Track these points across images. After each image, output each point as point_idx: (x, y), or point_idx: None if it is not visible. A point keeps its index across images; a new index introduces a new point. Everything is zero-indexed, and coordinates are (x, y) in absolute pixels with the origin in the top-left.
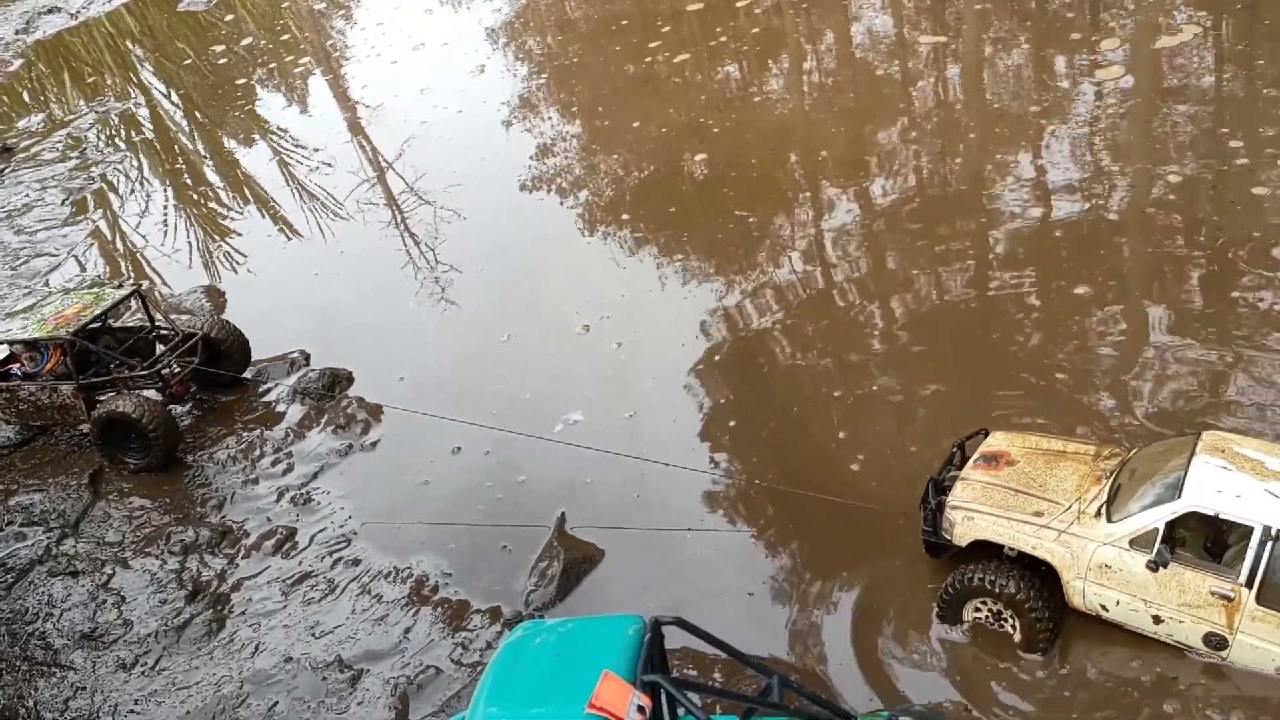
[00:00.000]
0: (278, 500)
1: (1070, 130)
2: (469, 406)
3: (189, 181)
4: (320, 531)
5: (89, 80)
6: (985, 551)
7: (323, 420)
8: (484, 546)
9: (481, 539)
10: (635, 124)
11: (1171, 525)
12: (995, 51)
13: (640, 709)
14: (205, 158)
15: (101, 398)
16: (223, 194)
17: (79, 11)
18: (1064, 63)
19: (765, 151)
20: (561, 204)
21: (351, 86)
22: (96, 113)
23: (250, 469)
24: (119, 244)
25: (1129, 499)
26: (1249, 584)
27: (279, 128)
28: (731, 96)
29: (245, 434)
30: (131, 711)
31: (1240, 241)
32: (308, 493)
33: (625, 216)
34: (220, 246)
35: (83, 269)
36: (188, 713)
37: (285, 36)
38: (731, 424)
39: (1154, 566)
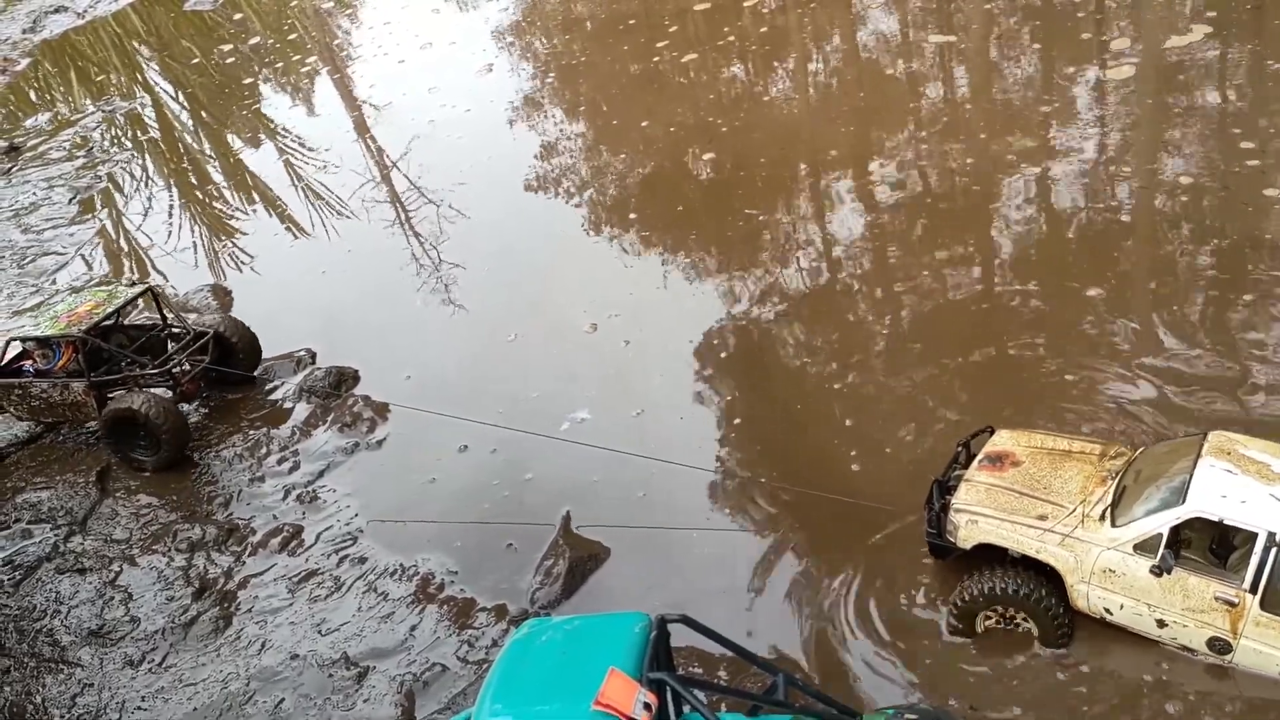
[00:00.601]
0: (284, 498)
1: (1080, 130)
2: (475, 405)
3: (195, 181)
4: (326, 529)
5: (96, 79)
6: (990, 553)
7: (329, 418)
8: (490, 545)
9: (488, 537)
10: (643, 123)
11: (1176, 530)
12: (1004, 52)
13: (646, 706)
14: (211, 157)
15: (113, 395)
16: (228, 193)
17: (85, 11)
18: (1074, 63)
19: (774, 151)
20: (569, 203)
21: (359, 85)
22: (103, 112)
23: (257, 467)
24: (125, 243)
25: (1133, 503)
26: (1253, 589)
27: (285, 127)
28: (739, 96)
29: (252, 432)
30: (138, 708)
31: (1252, 243)
32: (314, 491)
33: (633, 216)
34: (226, 245)
35: (89, 267)
36: (195, 709)
37: (292, 36)
38: (737, 422)
39: (1158, 572)
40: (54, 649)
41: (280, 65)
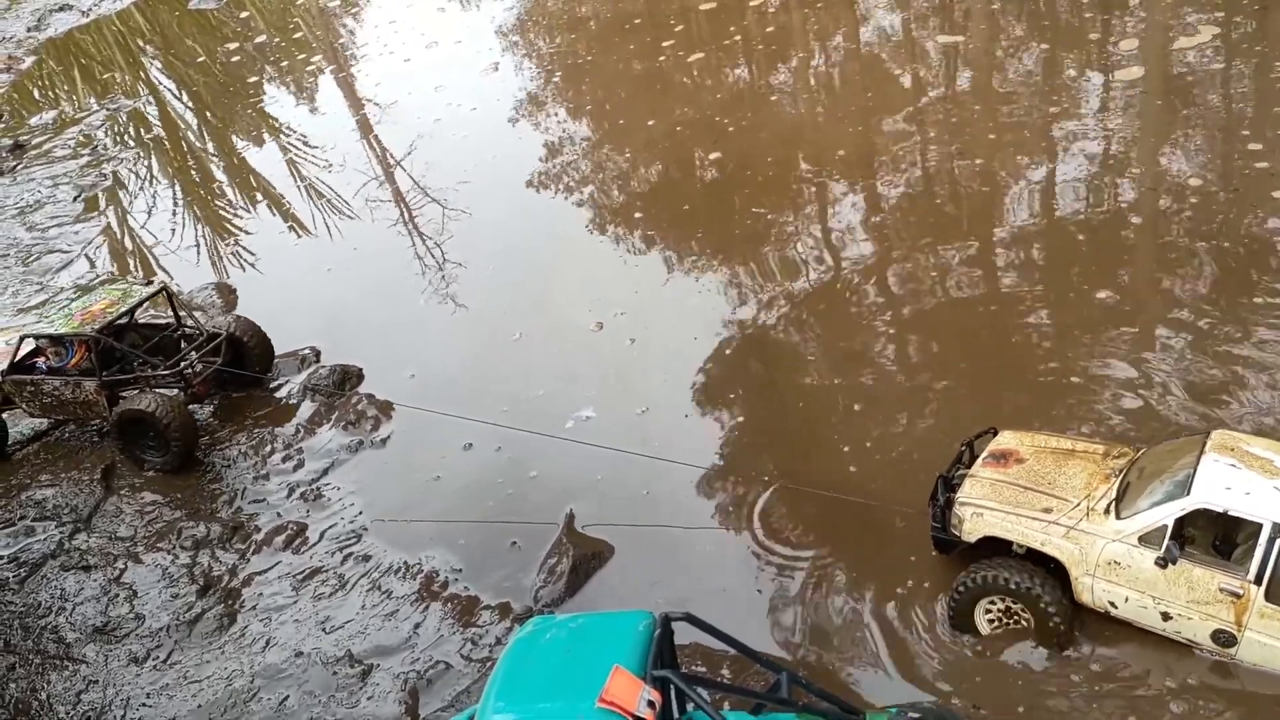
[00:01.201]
0: (288, 496)
1: (1087, 131)
2: (480, 404)
3: (198, 179)
4: (331, 527)
5: (100, 78)
6: (994, 549)
7: (333, 417)
8: (494, 543)
9: (491, 535)
10: (649, 122)
11: (1180, 522)
12: (1012, 52)
13: (650, 704)
14: (215, 156)
15: (125, 394)
16: (232, 192)
17: (90, 9)
18: (1082, 64)
19: (780, 151)
20: (574, 202)
21: (364, 84)
22: (107, 110)
23: (261, 465)
24: (129, 241)
25: (1138, 496)
26: (1258, 581)
27: (289, 126)
28: (745, 95)
29: (256, 430)
30: (143, 705)
31: (1260, 245)
32: (318, 489)
33: (638, 215)
34: (230, 244)
35: (93, 266)
36: (199, 706)
37: (298, 35)
38: (741, 420)
39: (1163, 563)
40: (59, 646)
41: (285, 64)
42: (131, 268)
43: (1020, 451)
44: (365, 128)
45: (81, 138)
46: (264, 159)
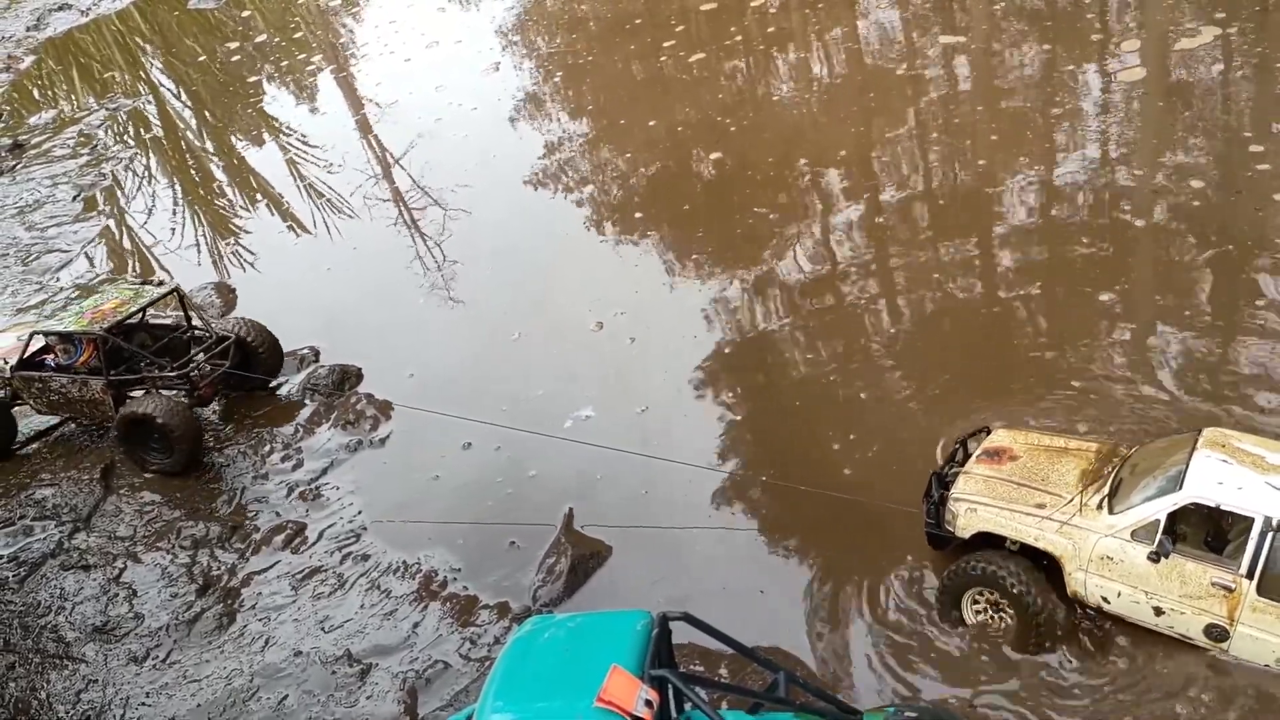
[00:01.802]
0: (287, 495)
1: (1089, 132)
2: (479, 403)
3: (198, 178)
4: (330, 527)
5: (99, 77)
6: (987, 545)
7: (332, 416)
8: (493, 542)
9: (490, 535)
10: (650, 122)
11: (1173, 517)
12: (1014, 53)
13: (648, 703)
14: (214, 156)
15: (133, 394)
16: (232, 191)
17: (89, 9)
18: (1084, 65)
19: (781, 151)
20: (574, 202)
21: (365, 84)
22: (106, 110)
23: (260, 464)
24: (128, 241)
25: (1130, 491)
26: (1250, 575)
27: (289, 125)
28: (746, 96)
29: (255, 429)
30: (143, 704)
31: (1262, 246)
32: (317, 488)
33: (638, 215)
34: (229, 244)
35: (92, 265)
36: (198, 705)
37: (298, 34)
38: (740, 419)
39: (1155, 558)
40: (59, 645)
41: (285, 64)
42: (131, 267)
43: (1014, 449)
44: (365, 127)
45: (81, 137)
46: (264, 158)
